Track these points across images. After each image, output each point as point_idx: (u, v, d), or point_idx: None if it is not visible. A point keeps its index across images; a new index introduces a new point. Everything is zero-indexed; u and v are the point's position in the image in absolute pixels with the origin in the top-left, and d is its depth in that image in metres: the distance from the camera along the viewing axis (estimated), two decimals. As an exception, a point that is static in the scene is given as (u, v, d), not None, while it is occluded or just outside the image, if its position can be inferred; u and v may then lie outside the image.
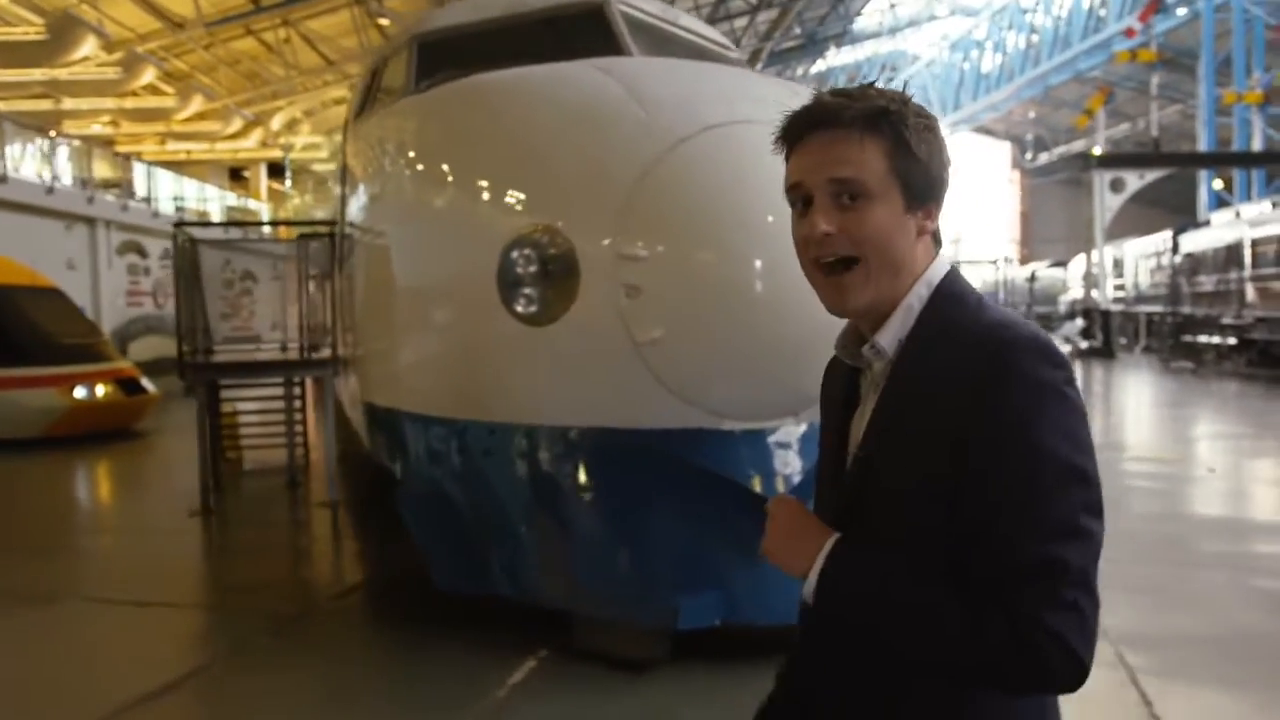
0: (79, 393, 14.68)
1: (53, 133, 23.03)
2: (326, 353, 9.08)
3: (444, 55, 6.95)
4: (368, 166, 7.27)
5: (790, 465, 4.92)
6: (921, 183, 1.33)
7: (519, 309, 4.88)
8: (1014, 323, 1.27)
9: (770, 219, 4.57)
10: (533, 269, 4.85)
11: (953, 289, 1.34)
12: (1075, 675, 1.17)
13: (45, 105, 26.34)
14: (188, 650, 5.40)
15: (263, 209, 34.39)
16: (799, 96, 1.62)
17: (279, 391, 11.22)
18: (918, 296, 1.34)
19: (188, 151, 32.92)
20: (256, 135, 32.92)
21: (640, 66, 5.70)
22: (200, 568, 7.50)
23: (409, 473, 5.97)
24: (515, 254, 4.86)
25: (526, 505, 5.12)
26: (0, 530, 8.92)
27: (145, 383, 15.90)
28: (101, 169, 24.69)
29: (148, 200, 25.80)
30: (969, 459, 1.21)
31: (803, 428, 4.94)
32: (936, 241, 1.40)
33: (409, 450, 5.95)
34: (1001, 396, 1.20)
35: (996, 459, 1.20)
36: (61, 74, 23.36)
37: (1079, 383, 1.26)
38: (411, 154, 6.33)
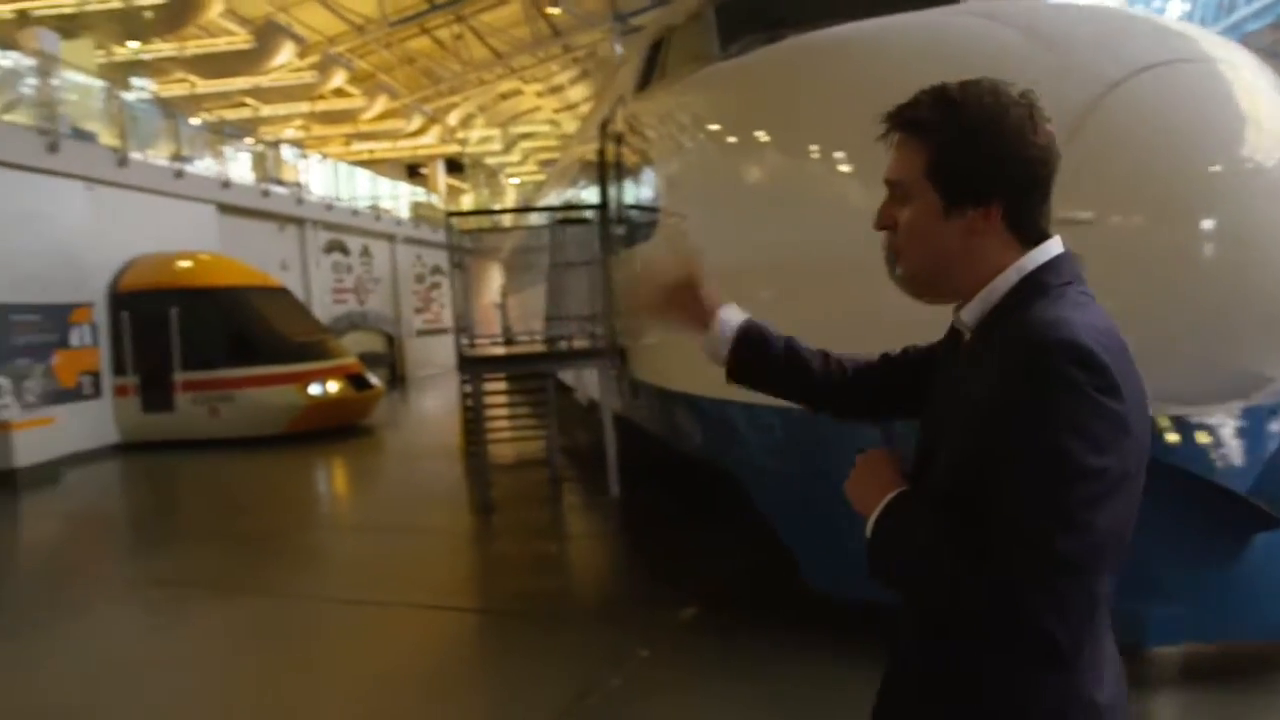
0: (313, 389, 15.01)
1: (264, 138, 23.82)
2: (587, 343, 8.80)
3: (747, 18, 6.50)
4: (669, 142, 6.87)
5: (1252, 453, 4.29)
6: (967, 182, 1.39)
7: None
8: (1063, 323, 1.30)
9: (1231, 171, 3.94)
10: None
11: (1041, 278, 1.39)
12: (1047, 651, 1.25)
13: (245, 113, 27.36)
14: (575, 666, 5.02)
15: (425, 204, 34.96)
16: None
17: (525, 385, 11.08)
18: (1006, 281, 1.41)
19: (370, 150, 33.77)
20: (434, 132, 33.51)
21: (1026, 6, 5.10)
22: (522, 572, 7.19)
23: (757, 467, 5.56)
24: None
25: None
26: (305, 533, 9.02)
27: (371, 378, 16.18)
28: (287, 171, 25.42)
29: (338, 199, 26.47)
30: (989, 440, 1.30)
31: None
32: (1022, 231, 1.42)
33: (757, 443, 5.55)
34: (1022, 390, 1.27)
35: (1008, 446, 1.27)
36: (263, 81, 24.15)
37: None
38: (746, 123, 5.87)
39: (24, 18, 18.45)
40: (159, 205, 16.58)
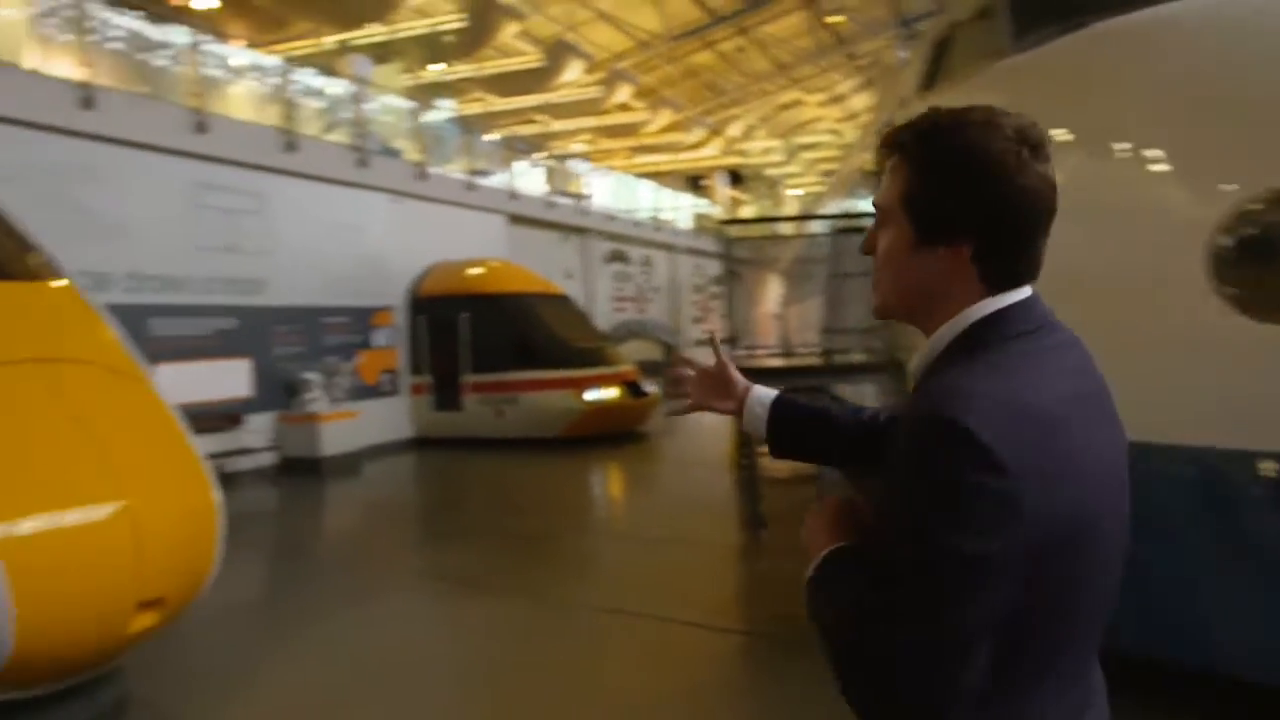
0: (591, 395, 15.29)
1: (553, 152, 24.83)
2: (859, 357, 8.30)
3: (1044, 7, 5.82)
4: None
5: None
6: (940, 219, 1.33)
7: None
8: (958, 394, 1.23)
9: None
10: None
11: (981, 333, 1.32)
12: (889, 697, 1.24)
13: (535, 128, 28.66)
14: (843, 704, 4.67)
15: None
16: None
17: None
18: (950, 331, 1.35)
19: (653, 163, 34.52)
20: (715, 144, 33.77)
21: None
22: (790, 595, 6.93)
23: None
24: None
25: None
26: (584, 540, 9.10)
27: (647, 385, 16.31)
28: (573, 183, 26.27)
29: (627, 212, 27.12)
30: (882, 513, 1.30)
31: None
32: (993, 276, 1.33)
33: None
34: (903, 467, 1.25)
35: (885, 516, 1.28)
36: (552, 96, 25.17)
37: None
38: (1046, 120, 5.20)
39: (343, 46, 20.12)
40: (454, 216, 17.55)
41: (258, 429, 12.84)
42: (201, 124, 12.46)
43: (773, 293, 13.68)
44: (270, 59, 16.23)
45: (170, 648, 5.15)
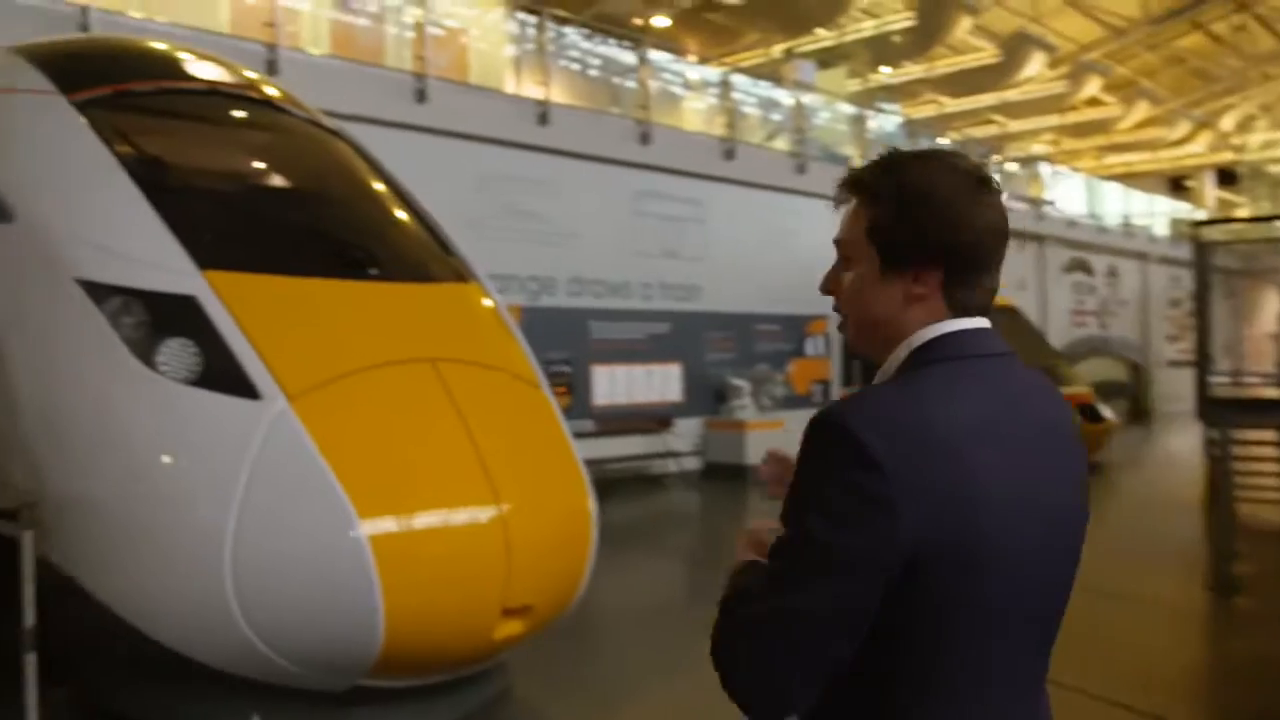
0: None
1: (1010, 155, 23.23)
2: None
3: None
4: None
5: None
6: (902, 248, 1.37)
7: None
8: (851, 403, 1.32)
9: None
10: None
11: (920, 356, 1.37)
12: (742, 707, 1.29)
13: (992, 130, 26.97)
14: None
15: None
16: None
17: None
18: (898, 357, 1.40)
19: (1126, 163, 31.18)
20: (1203, 139, 29.78)
21: None
22: (1269, 686, 5.50)
23: None
24: None
25: None
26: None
27: (1103, 409, 14.52)
28: (1033, 187, 24.25)
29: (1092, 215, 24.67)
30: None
31: None
32: (952, 304, 1.38)
33: None
34: (799, 464, 1.32)
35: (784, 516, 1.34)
36: (1010, 94, 23.50)
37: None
38: None
39: (789, 54, 20.14)
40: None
41: (685, 433, 13.05)
42: (645, 135, 12.91)
43: (1273, 308, 11.59)
44: (716, 71, 16.56)
45: (552, 648, 5.09)
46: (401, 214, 5.62)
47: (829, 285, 1.48)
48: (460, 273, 5.35)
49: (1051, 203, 22.96)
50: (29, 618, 4.27)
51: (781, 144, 16.27)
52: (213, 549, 3.76)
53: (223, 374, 4.09)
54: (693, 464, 12.85)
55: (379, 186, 5.76)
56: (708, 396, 13.46)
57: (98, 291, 4.29)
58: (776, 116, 16.64)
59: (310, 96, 8.32)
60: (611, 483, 11.82)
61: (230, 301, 4.27)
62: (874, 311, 1.41)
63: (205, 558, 3.77)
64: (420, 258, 5.31)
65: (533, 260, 11.74)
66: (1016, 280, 19.73)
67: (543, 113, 11.79)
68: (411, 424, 4.20)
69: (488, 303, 5.28)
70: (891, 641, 1.27)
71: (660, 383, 13.02)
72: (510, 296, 11.58)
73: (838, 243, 1.46)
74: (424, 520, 3.95)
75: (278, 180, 5.56)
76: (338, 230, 4.98)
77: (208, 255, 4.41)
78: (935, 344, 1.36)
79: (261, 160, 5.63)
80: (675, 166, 13.28)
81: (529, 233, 11.69)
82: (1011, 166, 23.56)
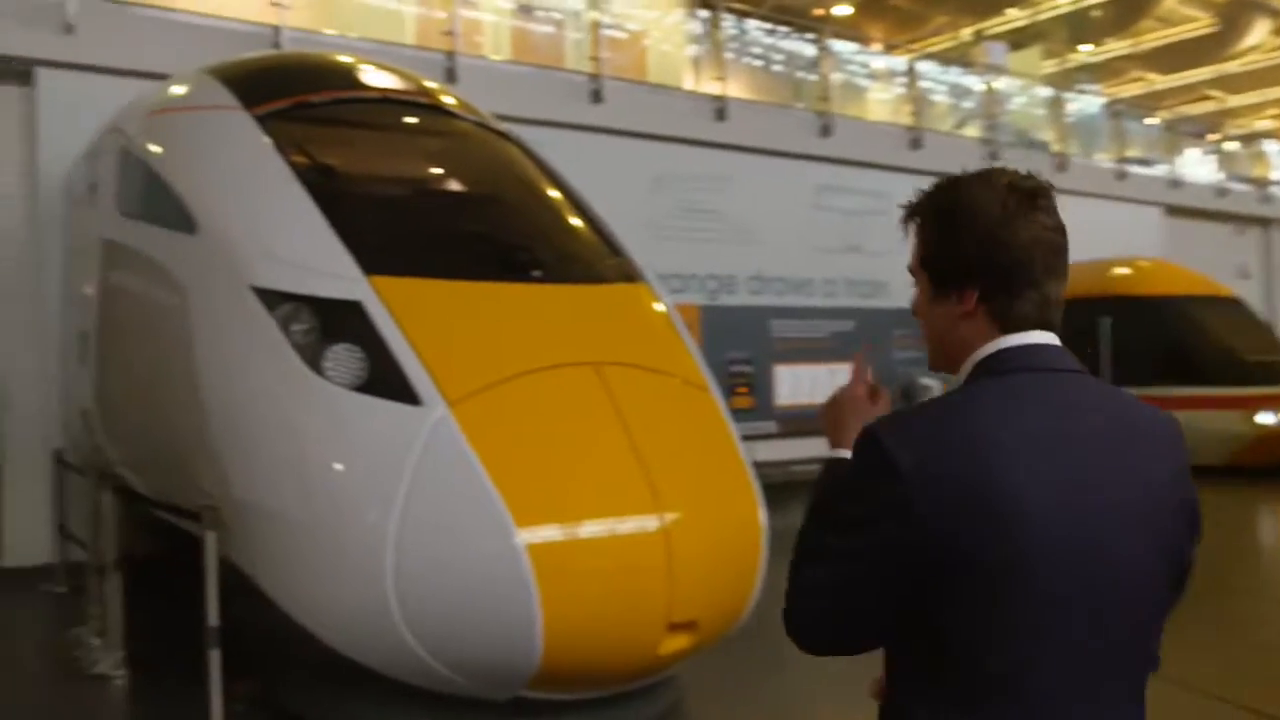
0: (1264, 418, 12.63)
1: (1229, 132, 21.44)
2: None
3: None
4: None
5: None
6: (944, 269, 1.47)
7: None
8: (895, 418, 1.43)
9: None
10: None
11: (980, 370, 1.45)
12: (795, 640, 1.47)
13: (1206, 107, 24.97)
14: None
15: None
16: None
17: None
18: (964, 373, 1.48)
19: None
20: None
21: None
22: None
23: None
24: None
25: None
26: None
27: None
28: (1258, 166, 22.23)
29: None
30: None
31: None
32: (1000, 319, 1.45)
33: None
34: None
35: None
36: (1230, 66, 21.66)
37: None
38: None
39: (979, 36, 19.19)
40: (1098, 210, 15.70)
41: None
42: (827, 127, 12.51)
43: None
44: (901, 58, 15.94)
45: (725, 661, 4.87)
46: (568, 215, 5.54)
47: (913, 307, 1.58)
48: (628, 273, 5.21)
49: (1272, 181, 21.01)
50: (212, 616, 4.41)
51: (973, 131, 15.50)
52: (375, 553, 3.75)
53: (386, 379, 4.09)
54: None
55: (547, 188, 5.70)
56: (895, 396, 12.89)
57: (270, 298, 4.38)
58: (968, 104, 15.88)
59: (487, 101, 8.42)
60: (795, 485, 11.48)
61: (394, 306, 4.27)
62: (935, 330, 1.53)
63: (368, 561, 3.76)
64: (586, 259, 5.20)
65: (711, 259, 11.56)
66: (1237, 269, 18.11)
67: (720, 108, 11.59)
68: (573, 430, 4.08)
69: (656, 304, 5.12)
70: (938, 641, 1.36)
71: (845, 382, 12.56)
72: (689, 296, 11.45)
73: (909, 269, 1.56)
74: (583, 530, 3.82)
75: (445, 184, 5.59)
76: (502, 233, 4.93)
77: (373, 261, 4.43)
78: (998, 358, 1.44)
79: (430, 165, 5.67)
80: (858, 158, 12.81)
81: (707, 231, 11.51)
82: (1231, 145, 21.70)
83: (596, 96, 10.66)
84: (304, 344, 4.25)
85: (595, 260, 5.21)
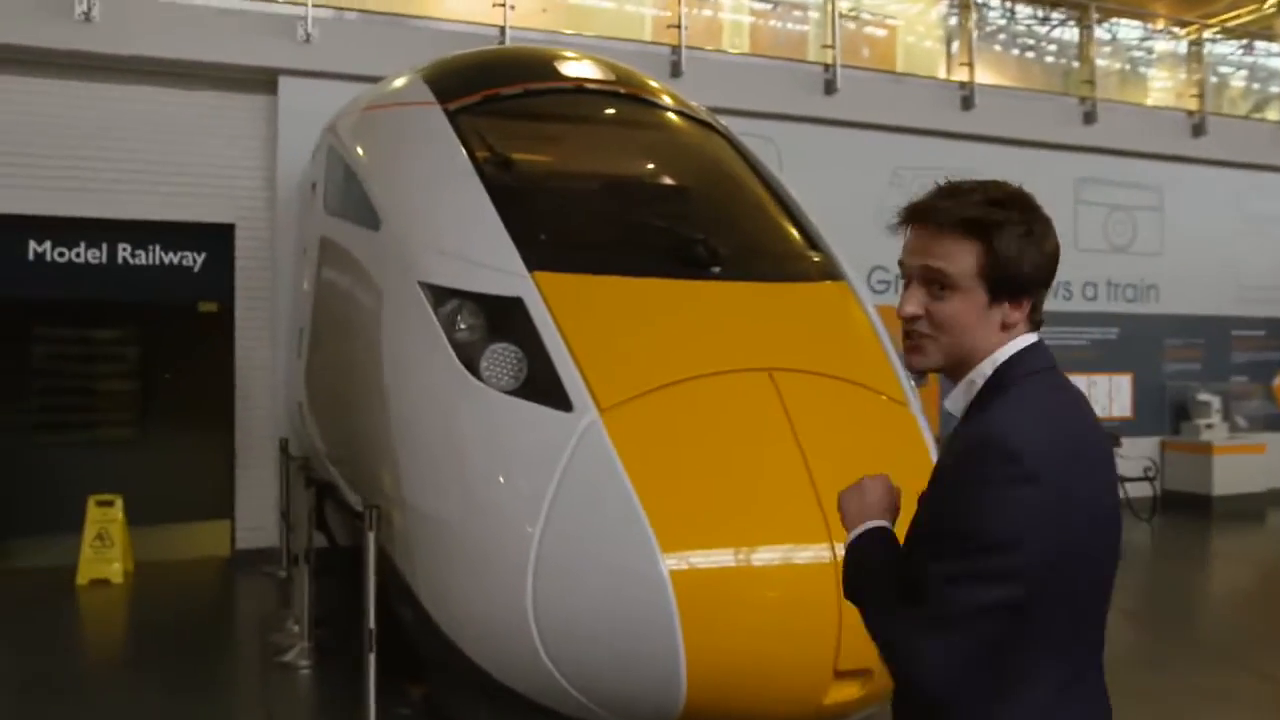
0: None
1: None
2: None
3: None
4: None
5: None
6: (1010, 282, 1.52)
7: None
8: (999, 422, 1.48)
9: None
10: None
11: (1009, 371, 1.54)
12: (924, 701, 1.50)
13: None
14: None
15: None
16: None
17: None
18: (981, 374, 1.56)
19: None
20: None
21: None
22: None
23: None
24: None
25: None
26: None
27: None
28: None
29: None
30: (928, 513, 1.54)
31: None
32: (1032, 324, 1.59)
33: None
34: (962, 477, 1.47)
35: (939, 521, 1.50)
36: None
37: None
38: None
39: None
40: None
41: (1133, 455, 11.25)
42: (1089, 114, 11.31)
43: None
44: (1182, 35, 14.24)
45: None
46: (766, 209, 5.10)
47: (918, 311, 1.56)
48: (828, 272, 4.71)
49: None
50: (370, 619, 4.31)
51: (1274, 114, 13.66)
52: (518, 569, 3.49)
53: (539, 382, 3.83)
54: (1142, 491, 11.02)
55: (746, 180, 5.29)
56: (1164, 413, 11.54)
57: (436, 294, 4.22)
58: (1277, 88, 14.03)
59: (714, 95, 8.17)
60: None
61: (555, 304, 4.01)
62: (973, 339, 1.55)
63: (509, 578, 3.51)
64: (778, 254, 4.75)
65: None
66: None
67: (966, 96, 10.70)
68: (735, 444, 3.65)
69: (857, 306, 4.59)
70: (1011, 627, 1.45)
71: (1106, 396, 11.35)
72: (926, 298, 10.65)
73: (936, 270, 1.52)
74: (738, 558, 3.39)
75: (631, 176, 5.27)
76: (684, 226, 4.54)
77: (540, 256, 4.19)
78: (1019, 359, 1.55)
79: (617, 156, 5.38)
80: (1126, 148, 11.51)
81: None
82: None
83: (830, 87, 10.08)
84: (464, 342, 4.05)
85: (789, 256, 4.75)
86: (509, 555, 3.53)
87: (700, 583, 3.31)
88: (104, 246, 8.22)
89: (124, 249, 8.29)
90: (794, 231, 4.97)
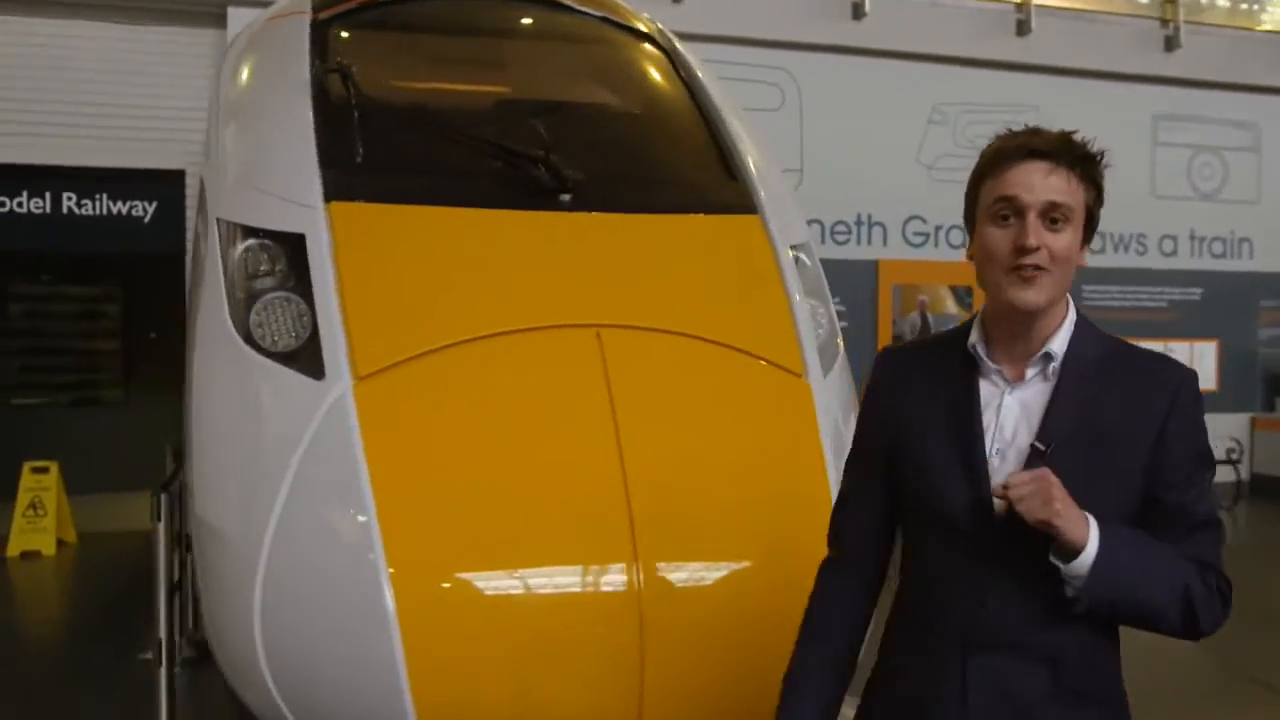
0: None
1: None
2: None
3: None
4: None
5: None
6: (1095, 221, 1.63)
7: None
8: (1159, 352, 1.73)
9: None
10: None
11: (1083, 315, 1.67)
12: (1227, 616, 1.59)
13: None
14: None
15: None
16: None
17: None
18: (1071, 319, 1.64)
19: None
20: None
21: None
22: None
23: None
24: None
25: None
26: None
27: None
28: None
29: None
30: (1171, 450, 1.57)
31: None
32: None
33: None
34: (1191, 407, 1.59)
35: (1192, 449, 1.59)
36: None
37: None
38: None
39: None
40: None
41: (1219, 434, 9.88)
42: (1171, 39, 9.85)
43: None
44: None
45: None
46: (673, 130, 4.11)
47: (1048, 241, 1.57)
48: (731, 203, 3.68)
49: None
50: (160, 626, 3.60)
51: None
52: (246, 584, 2.66)
53: (299, 341, 2.96)
54: (1225, 475, 9.64)
55: (661, 98, 4.30)
56: (1256, 387, 10.12)
57: (230, 233, 3.37)
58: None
59: (716, 20, 7.20)
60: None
61: (343, 241, 3.12)
62: (1070, 272, 1.61)
63: (241, 593, 2.68)
64: (665, 181, 3.75)
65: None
66: None
67: (1021, 19, 9.39)
68: (525, 426, 2.71)
69: (765, 247, 3.55)
70: None
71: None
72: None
73: (1054, 205, 1.56)
74: (496, 585, 2.48)
75: (502, 93, 4.32)
76: (540, 148, 3.56)
77: (345, 184, 3.30)
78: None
79: (495, 71, 4.42)
80: (1216, 79, 10.02)
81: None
82: None
83: (858, 11, 8.90)
84: (240, 292, 3.21)
85: (679, 185, 3.75)
86: (240, 571, 2.70)
87: (437, 619, 2.41)
88: (46, 196, 7.66)
89: (69, 198, 7.71)
90: (706, 158, 3.95)
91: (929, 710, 1.62)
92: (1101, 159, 1.59)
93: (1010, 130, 1.64)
